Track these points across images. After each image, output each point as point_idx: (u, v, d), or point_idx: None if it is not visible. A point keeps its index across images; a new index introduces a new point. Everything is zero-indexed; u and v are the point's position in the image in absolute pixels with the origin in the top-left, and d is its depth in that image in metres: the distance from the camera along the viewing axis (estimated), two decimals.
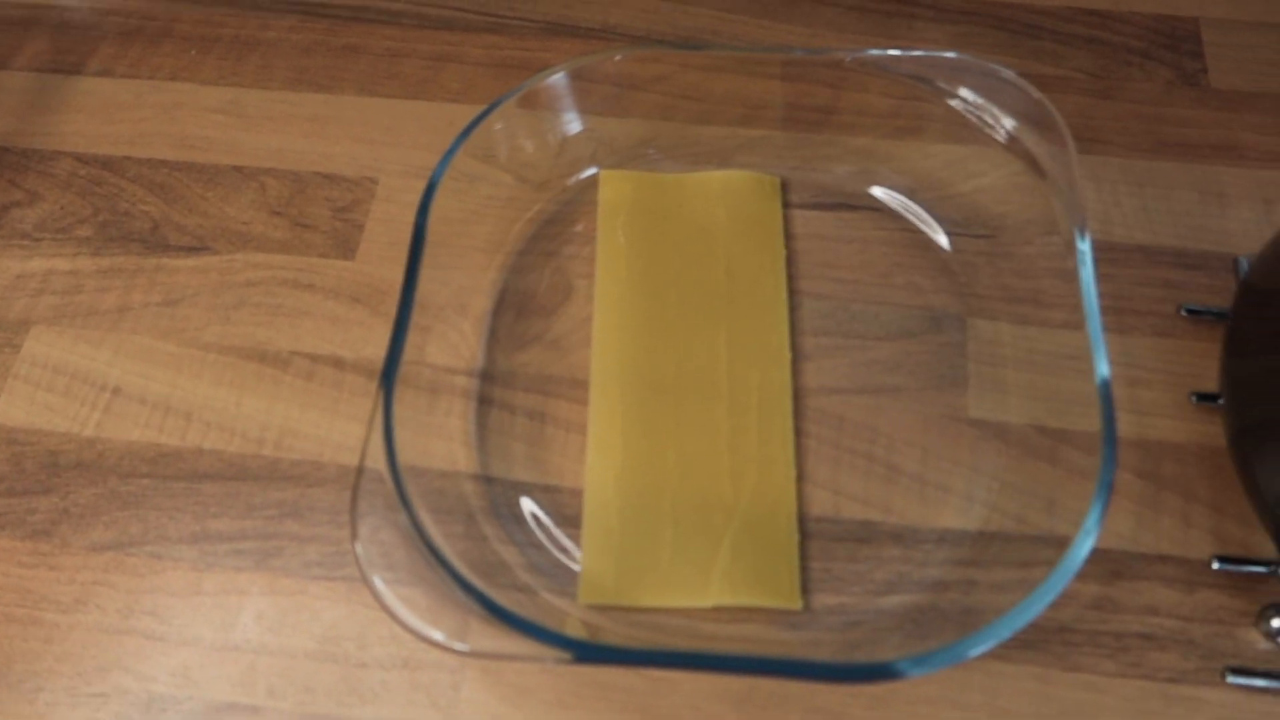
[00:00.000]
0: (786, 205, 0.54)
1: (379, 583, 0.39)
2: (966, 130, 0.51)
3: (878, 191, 0.54)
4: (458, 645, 0.38)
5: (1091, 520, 0.38)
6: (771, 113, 0.56)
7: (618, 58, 0.52)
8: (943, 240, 0.52)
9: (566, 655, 0.37)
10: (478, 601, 0.38)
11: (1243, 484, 0.42)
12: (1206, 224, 0.53)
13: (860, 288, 0.52)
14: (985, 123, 0.50)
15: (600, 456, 0.46)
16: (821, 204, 0.54)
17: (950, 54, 0.50)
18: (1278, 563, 0.43)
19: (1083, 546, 0.38)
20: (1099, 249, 0.53)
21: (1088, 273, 0.43)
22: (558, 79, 0.52)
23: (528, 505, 0.46)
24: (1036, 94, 0.48)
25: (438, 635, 0.38)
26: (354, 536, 0.40)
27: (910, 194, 0.53)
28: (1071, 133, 0.55)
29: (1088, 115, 0.57)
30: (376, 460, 0.42)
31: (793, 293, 0.51)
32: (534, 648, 0.38)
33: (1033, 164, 0.49)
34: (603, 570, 0.44)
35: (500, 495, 0.47)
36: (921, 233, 0.53)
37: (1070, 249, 0.45)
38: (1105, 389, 0.41)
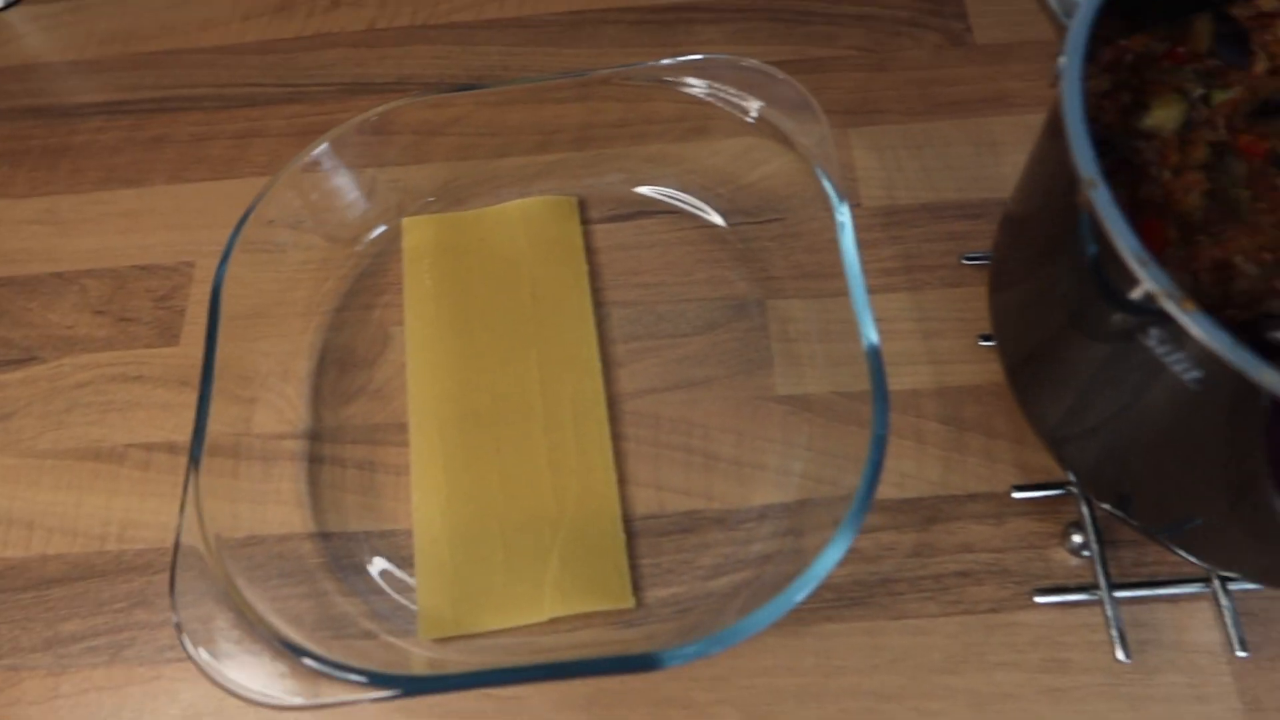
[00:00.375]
0: (587, 222, 0.56)
1: (203, 655, 0.40)
2: (744, 124, 0.53)
3: (672, 194, 0.56)
4: (290, 700, 0.39)
5: (851, 518, 0.39)
6: (566, 135, 0.58)
7: (375, 115, 0.53)
8: (738, 229, 0.54)
9: (393, 692, 0.39)
10: (295, 655, 0.39)
11: (1024, 415, 0.44)
12: (983, 173, 0.55)
13: (665, 289, 0.53)
14: (757, 114, 0.52)
15: (425, 495, 0.47)
16: (620, 215, 0.56)
17: (703, 56, 0.52)
18: (1069, 483, 0.46)
19: (829, 557, 0.39)
20: (886, 214, 0.55)
21: (847, 241, 0.45)
22: (342, 138, 0.54)
23: (366, 554, 0.48)
24: (785, 78, 0.50)
25: (270, 694, 0.39)
26: (175, 614, 0.41)
27: (702, 191, 0.56)
28: (851, 107, 0.58)
29: (865, 89, 0.59)
30: (196, 536, 0.43)
31: (600, 304, 0.53)
32: (362, 690, 0.39)
33: (802, 146, 0.51)
34: (439, 604, 0.45)
35: (339, 549, 0.48)
36: (717, 226, 0.55)
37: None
38: (874, 354, 0.43)
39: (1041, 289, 0.40)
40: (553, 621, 0.45)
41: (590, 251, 0.55)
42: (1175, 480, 0.38)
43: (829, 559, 0.38)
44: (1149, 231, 0.39)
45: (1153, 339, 0.32)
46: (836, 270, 0.49)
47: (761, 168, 0.54)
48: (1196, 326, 0.30)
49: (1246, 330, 0.36)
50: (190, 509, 0.43)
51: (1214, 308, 0.36)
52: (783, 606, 0.38)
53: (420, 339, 0.51)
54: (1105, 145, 0.40)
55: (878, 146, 0.57)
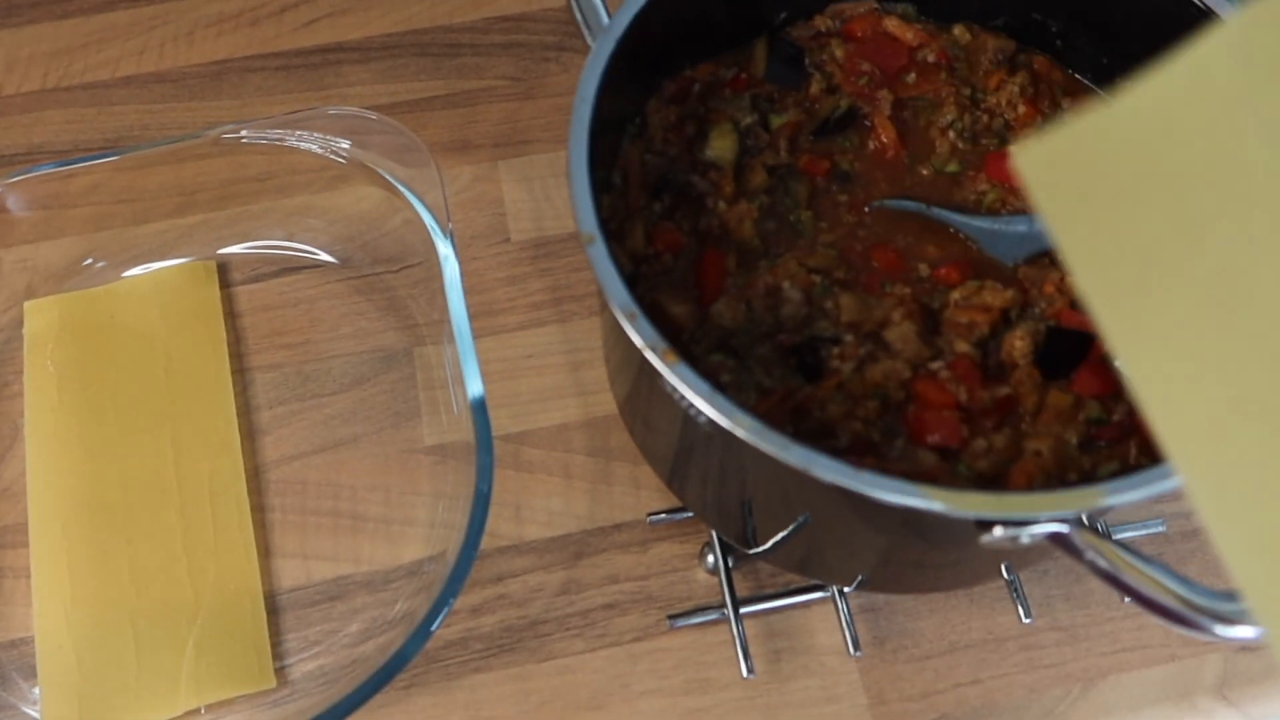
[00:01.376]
0: (227, 286, 0.54)
1: None
2: (373, 170, 0.52)
3: (314, 248, 0.54)
4: None
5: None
6: (207, 195, 0.55)
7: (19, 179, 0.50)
8: (382, 278, 0.53)
9: None
10: None
11: (638, 447, 0.45)
12: None
13: (311, 347, 0.52)
14: (363, 160, 0.51)
15: (47, 600, 0.45)
16: (262, 275, 0.54)
17: (295, 113, 0.51)
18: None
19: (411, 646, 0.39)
20: (536, 246, 0.55)
21: (454, 294, 0.45)
22: None
23: None
24: (381, 119, 0.50)
25: None
26: None
27: (347, 242, 0.54)
28: (500, 139, 0.58)
29: (513, 119, 0.59)
30: None
31: (243, 370, 0.52)
32: None
33: (414, 186, 0.50)
34: (66, 713, 0.43)
35: None
36: (360, 277, 0.54)
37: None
38: (478, 407, 0.42)
39: (612, 327, 0.41)
40: (194, 712, 0.44)
41: (232, 316, 0.53)
42: (745, 509, 0.39)
43: (424, 629, 0.38)
44: (709, 263, 0.40)
45: (667, 386, 0.33)
46: (473, 313, 0.49)
47: (399, 214, 0.53)
48: (677, 377, 0.31)
49: (795, 354, 0.37)
50: None
51: (769, 334, 0.38)
52: (372, 689, 0.38)
53: (42, 432, 0.49)
54: (665, 180, 0.41)
55: (527, 177, 0.57)
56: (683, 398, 0.32)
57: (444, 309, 0.50)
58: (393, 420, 0.50)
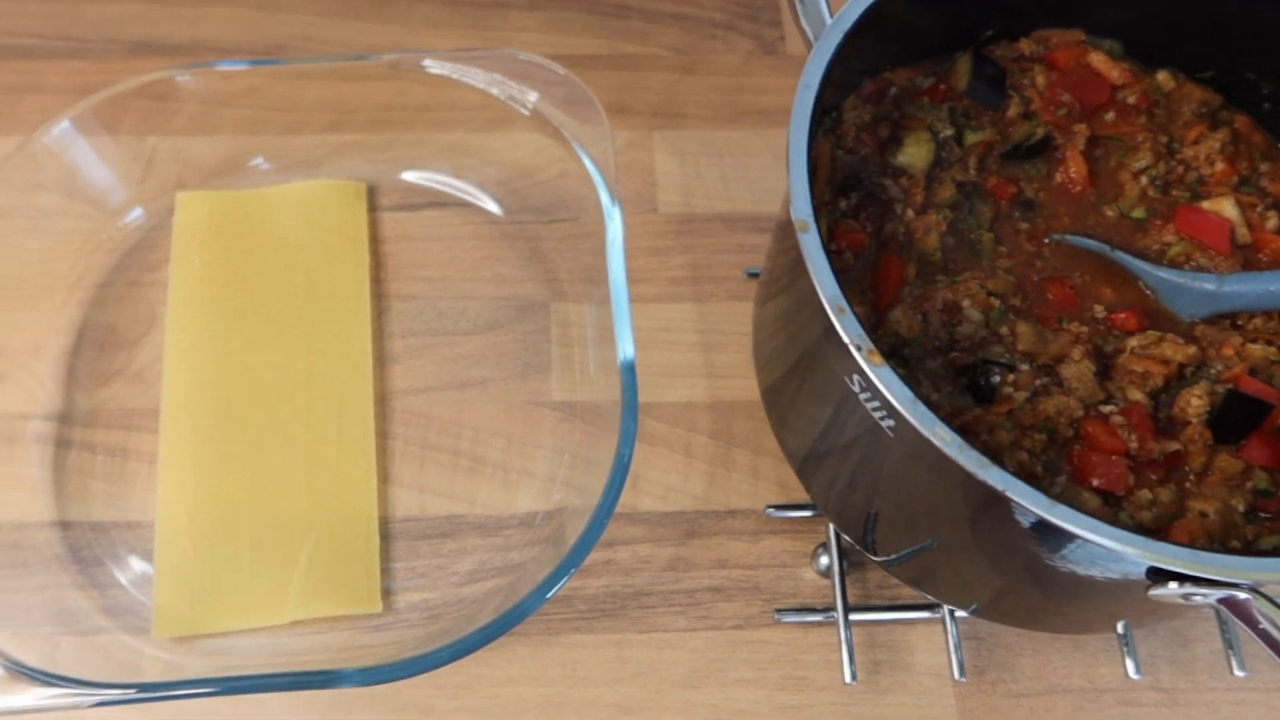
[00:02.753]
0: (375, 209, 0.54)
1: None
2: (546, 121, 0.52)
3: (466, 186, 0.55)
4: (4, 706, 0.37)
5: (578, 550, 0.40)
6: (363, 116, 0.56)
7: (161, 80, 0.51)
8: (528, 228, 0.53)
9: (99, 697, 0.37)
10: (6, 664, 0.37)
11: (776, 439, 0.45)
12: (780, 187, 0.55)
13: (449, 284, 0.52)
14: (544, 110, 0.51)
15: (171, 488, 0.46)
16: (410, 205, 0.54)
17: (483, 50, 0.51)
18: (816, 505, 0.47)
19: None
20: (682, 221, 0.55)
21: (615, 254, 0.45)
22: (122, 100, 0.51)
23: (108, 545, 0.46)
24: (567, 74, 0.50)
25: None
26: None
27: (498, 186, 0.54)
28: (658, 109, 0.58)
29: (672, 91, 0.59)
30: None
31: (381, 297, 0.52)
32: (65, 696, 0.37)
33: (586, 146, 0.50)
34: (176, 602, 0.44)
35: (79, 540, 0.46)
36: (508, 224, 0.54)
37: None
38: (626, 367, 0.42)
39: (786, 314, 0.41)
40: (298, 623, 0.44)
41: (375, 241, 0.53)
42: (893, 517, 0.39)
43: (548, 586, 0.38)
44: (888, 268, 0.39)
45: (855, 384, 0.32)
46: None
47: (558, 165, 0.53)
48: (880, 380, 0.30)
49: (966, 373, 0.37)
50: None
51: (941, 350, 0.37)
52: (488, 637, 0.38)
53: (181, 322, 0.49)
54: (857, 179, 0.40)
55: (680, 152, 0.57)
56: (870, 399, 0.32)
57: (588, 267, 0.51)
58: (521, 370, 0.50)
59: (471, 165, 0.55)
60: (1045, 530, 0.30)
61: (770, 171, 0.56)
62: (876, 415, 0.32)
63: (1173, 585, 0.30)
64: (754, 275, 0.52)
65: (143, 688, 0.37)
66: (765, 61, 0.60)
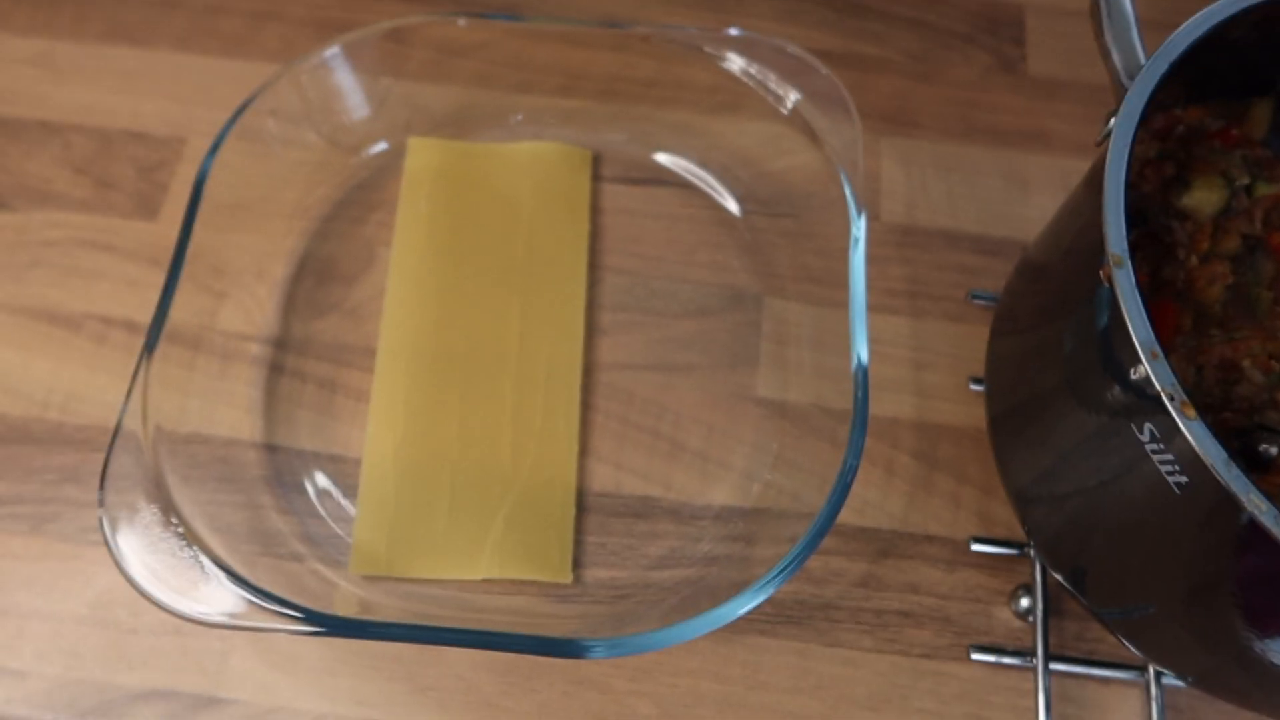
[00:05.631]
0: (597, 179, 0.54)
1: (120, 546, 0.38)
2: (776, 111, 0.51)
3: (689, 167, 0.54)
4: (198, 611, 0.38)
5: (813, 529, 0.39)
6: (592, 84, 0.55)
7: (401, 23, 0.51)
8: (750, 218, 0.52)
9: (310, 629, 0.38)
10: (222, 571, 0.38)
11: (997, 468, 0.43)
12: (1008, 210, 0.54)
13: (663, 264, 0.52)
14: (792, 104, 0.50)
15: (380, 428, 0.46)
16: (632, 179, 0.54)
17: (744, 33, 0.50)
18: (1027, 545, 0.45)
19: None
20: (903, 232, 0.53)
21: (858, 256, 0.44)
22: (363, 41, 0.51)
23: (310, 474, 0.46)
24: (828, 73, 0.49)
25: (178, 602, 0.38)
26: (102, 497, 0.39)
27: (722, 171, 0.54)
28: (888, 114, 0.56)
29: (904, 98, 0.57)
30: (139, 422, 0.41)
31: (595, 267, 0.52)
32: (274, 620, 0.38)
33: (830, 146, 0.49)
34: (375, 541, 0.44)
35: (284, 464, 0.47)
36: (729, 211, 0.53)
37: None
38: (860, 373, 0.42)
39: (1044, 344, 0.39)
40: (486, 582, 0.44)
41: (595, 211, 0.53)
42: (1132, 570, 0.37)
43: (772, 582, 0.38)
44: (1162, 313, 0.38)
45: (1145, 432, 0.31)
46: (841, 280, 0.48)
47: (786, 159, 0.53)
48: (1192, 435, 0.29)
49: (1238, 436, 0.35)
50: (137, 393, 0.41)
51: (1212, 407, 0.35)
52: (717, 621, 0.37)
53: (405, 266, 0.49)
54: (1138, 215, 0.39)
55: (907, 161, 0.55)
56: (1162, 452, 0.30)
57: (809, 266, 0.50)
58: (729, 360, 0.50)
59: (696, 146, 0.54)
60: None
61: (999, 193, 0.54)
62: (1165, 469, 0.31)
63: None
64: (979, 299, 0.51)
65: (374, 626, 0.37)
66: (1003, 79, 0.58)
